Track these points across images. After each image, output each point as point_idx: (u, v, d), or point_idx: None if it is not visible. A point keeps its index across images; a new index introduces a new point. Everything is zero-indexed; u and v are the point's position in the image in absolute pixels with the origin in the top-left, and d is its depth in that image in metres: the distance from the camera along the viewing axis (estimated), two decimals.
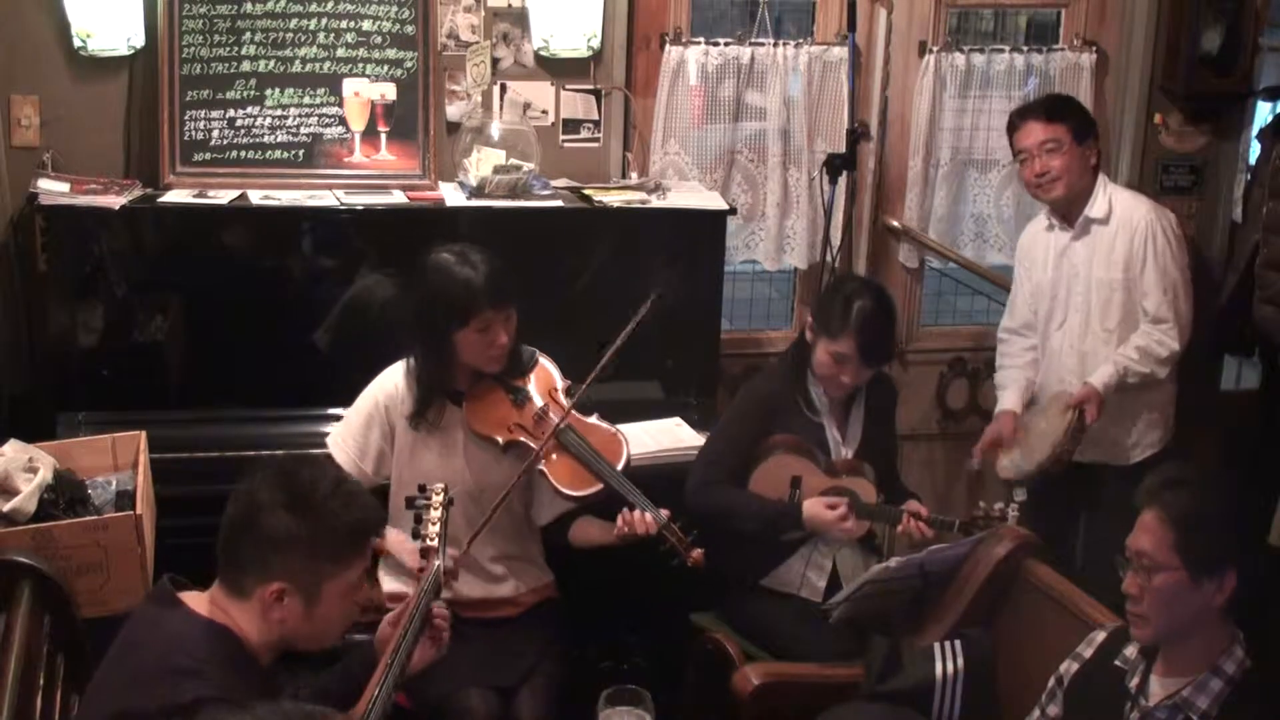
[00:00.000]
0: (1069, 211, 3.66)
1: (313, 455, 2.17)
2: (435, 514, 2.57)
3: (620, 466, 2.97)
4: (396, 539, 2.90)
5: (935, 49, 4.15)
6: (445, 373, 2.94)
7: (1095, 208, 3.63)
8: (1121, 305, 3.62)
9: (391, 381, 2.98)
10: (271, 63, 3.63)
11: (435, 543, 2.50)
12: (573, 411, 2.97)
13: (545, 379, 3.06)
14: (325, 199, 3.57)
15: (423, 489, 2.67)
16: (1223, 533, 2.17)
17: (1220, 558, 2.15)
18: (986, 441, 3.71)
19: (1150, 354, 3.56)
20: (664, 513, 2.90)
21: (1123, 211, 3.62)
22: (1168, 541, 2.16)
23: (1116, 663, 2.30)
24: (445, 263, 2.89)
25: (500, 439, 2.94)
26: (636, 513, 2.88)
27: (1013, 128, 3.65)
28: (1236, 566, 2.16)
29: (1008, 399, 3.74)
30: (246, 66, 3.61)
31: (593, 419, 3.06)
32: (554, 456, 2.95)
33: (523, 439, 2.94)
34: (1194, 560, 2.14)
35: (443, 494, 2.62)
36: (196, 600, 2.15)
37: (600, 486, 2.92)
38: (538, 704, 2.84)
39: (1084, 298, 3.66)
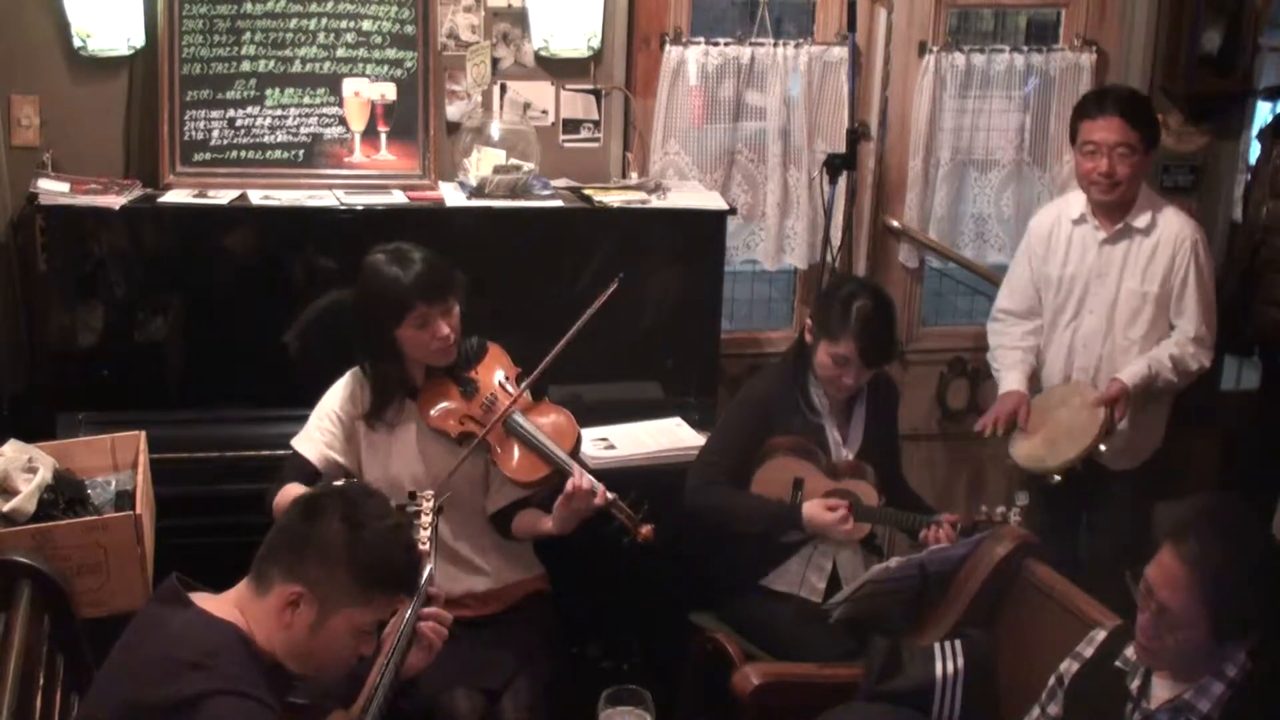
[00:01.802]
0: (1111, 214, 3.58)
1: (383, 495, 2.26)
2: (425, 519, 2.58)
3: (569, 449, 2.95)
4: None
5: (935, 49, 4.15)
6: (396, 371, 2.95)
7: (1140, 218, 3.56)
8: (1150, 318, 3.57)
9: (343, 389, 2.99)
10: (271, 63, 3.63)
11: (427, 547, 2.52)
12: (522, 398, 2.97)
13: (495, 367, 3.06)
14: (325, 199, 3.57)
15: (413, 495, 2.68)
16: (1257, 598, 2.08)
17: (1251, 624, 2.10)
18: (1003, 418, 3.60)
19: (1182, 366, 3.53)
20: (612, 494, 2.87)
21: (1165, 226, 3.55)
22: (1198, 608, 2.08)
23: (1117, 664, 2.30)
24: (376, 262, 2.91)
25: (452, 433, 2.95)
26: (586, 480, 2.85)
27: (1086, 115, 3.51)
28: (1264, 625, 2.10)
29: (1012, 379, 3.67)
30: (246, 66, 3.61)
31: (544, 403, 3.05)
32: (503, 445, 2.95)
33: (473, 430, 2.94)
34: (1224, 627, 2.09)
35: (433, 500, 2.64)
36: (207, 600, 2.15)
37: (549, 471, 2.90)
38: (522, 706, 2.83)
39: (1108, 302, 3.60)
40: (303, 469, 2.92)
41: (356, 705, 2.22)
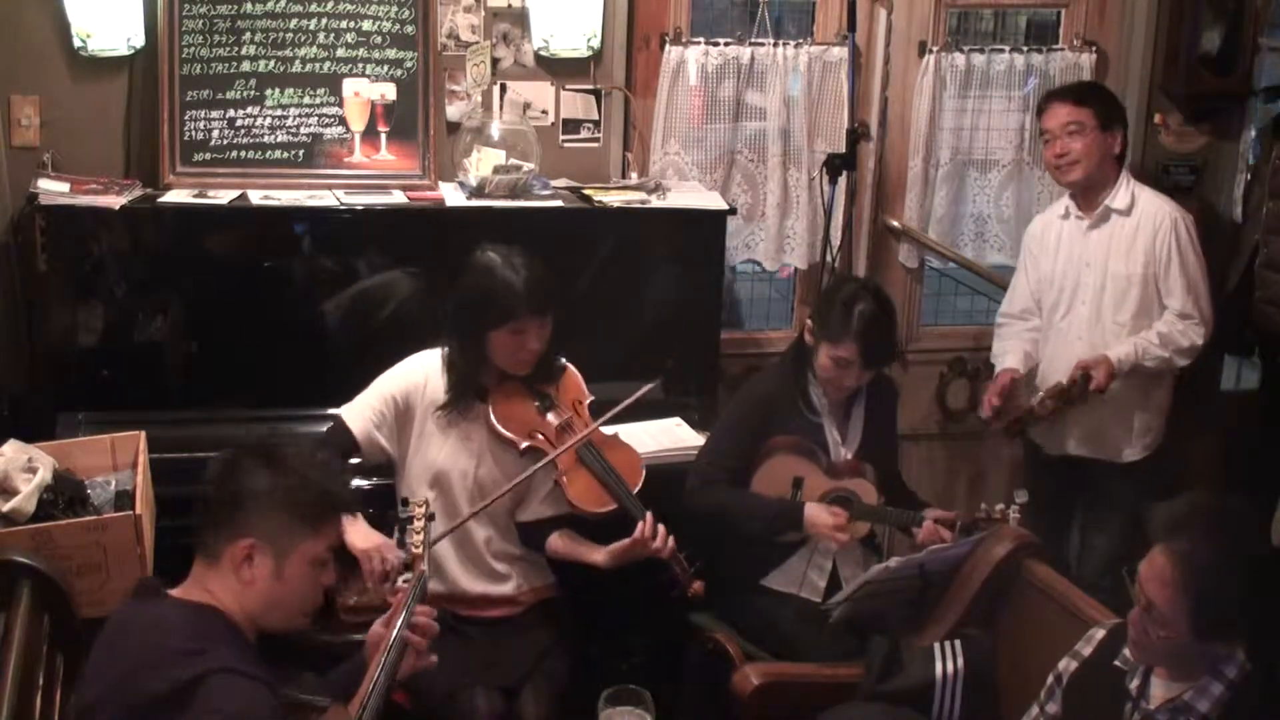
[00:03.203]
0: (1089, 200, 3.66)
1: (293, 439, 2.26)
2: (419, 524, 2.60)
3: (636, 489, 2.97)
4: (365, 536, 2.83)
5: (935, 49, 4.15)
6: (476, 368, 2.96)
7: (1117, 199, 3.63)
8: (1137, 299, 3.61)
9: (420, 369, 3.00)
10: (271, 63, 3.63)
11: (420, 550, 2.53)
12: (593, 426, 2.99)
13: (572, 389, 3.08)
14: (325, 199, 3.57)
15: (405, 502, 2.69)
16: (1240, 600, 2.07)
17: (1234, 630, 2.10)
18: (995, 392, 3.67)
19: (1171, 341, 3.57)
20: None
21: (1145, 206, 3.63)
22: (1181, 606, 2.08)
23: (1116, 663, 2.30)
24: (490, 262, 2.92)
25: (520, 443, 2.95)
26: (661, 529, 2.86)
27: (1040, 110, 3.70)
28: (1249, 641, 2.10)
29: (1008, 360, 3.74)
30: (246, 66, 3.61)
31: (614, 436, 3.08)
32: (572, 471, 2.95)
33: (542, 447, 2.94)
34: (1204, 626, 2.09)
35: (424, 506, 2.66)
36: (178, 591, 2.19)
37: (614, 507, 2.92)
38: (541, 703, 2.85)
39: (1096, 288, 3.65)
40: (344, 439, 2.95)
41: (355, 701, 2.22)
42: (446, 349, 2.99)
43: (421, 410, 2.97)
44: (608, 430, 3.06)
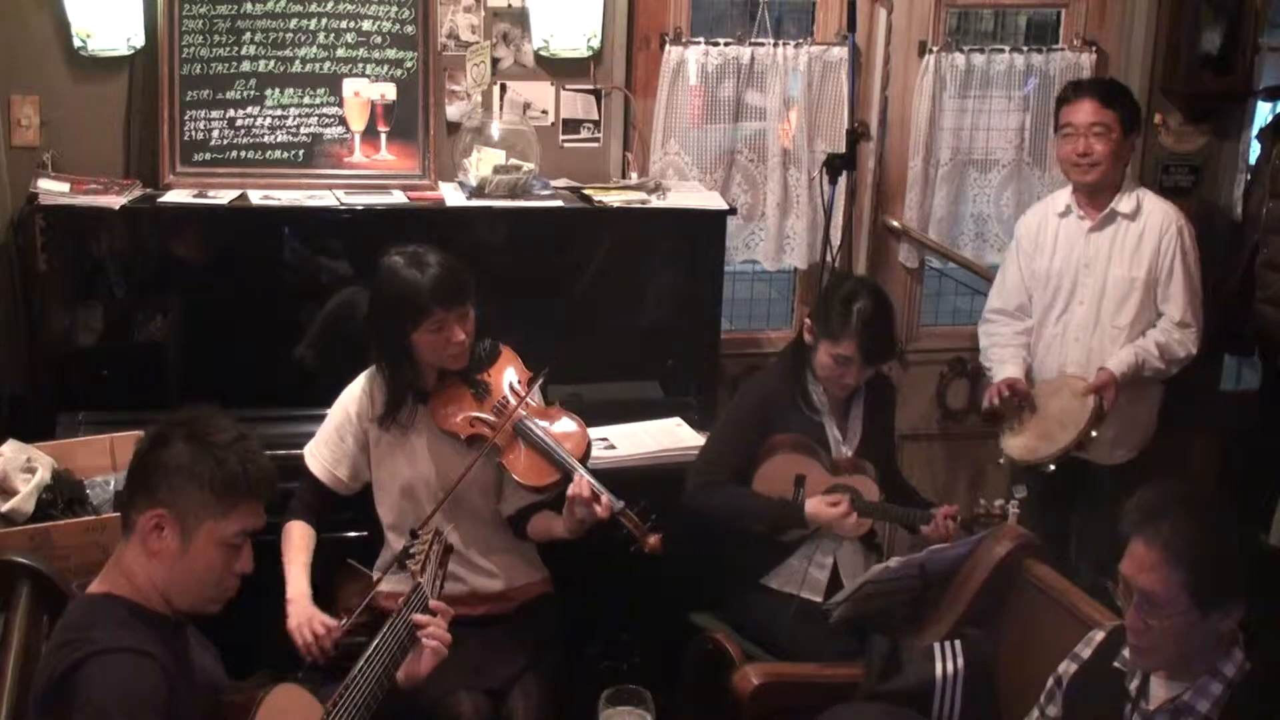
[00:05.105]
0: (1095, 201, 3.64)
1: (223, 413, 2.26)
2: (420, 548, 2.61)
3: (580, 456, 2.94)
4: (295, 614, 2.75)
5: (935, 49, 4.15)
6: (409, 373, 2.94)
7: (1124, 203, 3.63)
8: (1137, 304, 3.61)
9: (359, 389, 2.99)
10: (271, 63, 3.63)
11: (418, 566, 2.54)
12: (533, 402, 2.97)
13: (507, 370, 3.05)
14: (325, 199, 3.57)
15: (414, 534, 2.68)
16: (1233, 565, 2.11)
17: (1232, 589, 2.12)
18: (1003, 386, 3.62)
19: (1169, 352, 3.58)
20: (620, 502, 2.85)
21: (1150, 212, 3.62)
22: (1176, 582, 2.10)
23: (1116, 664, 2.30)
24: (394, 265, 2.88)
25: (462, 434, 2.94)
26: (586, 488, 2.81)
27: (1064, 100, 3.64)
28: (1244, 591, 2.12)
29: (1008, 370, 3.69)
30: (246, 66, 3.61)
31: (554, 409, 3.05)
32: (513, 449, 2.94)
33: (483, 432, 2.93)
34: (1207, 599, 2.10)
35: (432, 535, 2.66)
36: (93, 585, 2.22)
37: (559, 477, 2.90)
38: (530, 705, 2.83)
39: (1096, 291, 3.64)
40: (314, 487, 2.97)
41: (331, 700, 2.22)
42: (375, 362, 2.97)
43: (374, 428, 2.96)
44: (554, 410, 3.05)
